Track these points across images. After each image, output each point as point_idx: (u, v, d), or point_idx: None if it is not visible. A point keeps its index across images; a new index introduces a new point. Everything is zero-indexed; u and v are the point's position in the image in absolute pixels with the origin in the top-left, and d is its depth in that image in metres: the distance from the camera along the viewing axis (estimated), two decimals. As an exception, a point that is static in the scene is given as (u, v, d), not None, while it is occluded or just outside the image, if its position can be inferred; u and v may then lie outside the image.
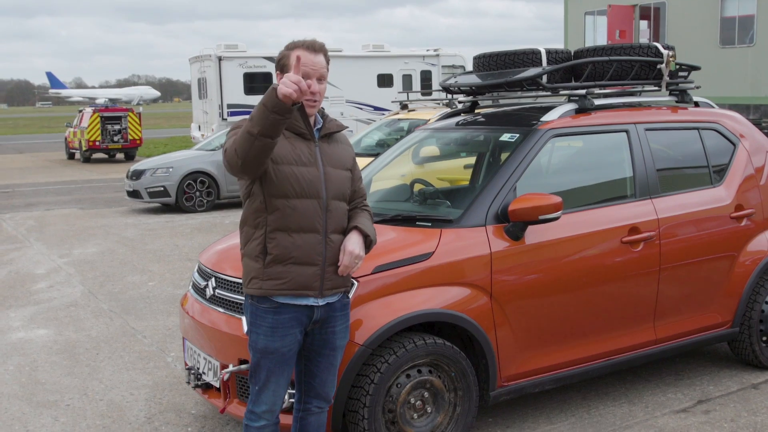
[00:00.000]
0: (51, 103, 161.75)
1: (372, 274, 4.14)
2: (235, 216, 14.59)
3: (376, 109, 27.15)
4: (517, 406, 5.08)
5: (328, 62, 3.53)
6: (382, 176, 5.91)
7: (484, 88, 5.80)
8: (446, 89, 6.10)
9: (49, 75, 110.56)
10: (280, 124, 3.16)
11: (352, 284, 4.05)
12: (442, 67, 28.73)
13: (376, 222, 4.68)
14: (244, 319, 4.19)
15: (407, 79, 28.20)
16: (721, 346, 6.04)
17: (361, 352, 4.02)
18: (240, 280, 4.31)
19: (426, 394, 4.27)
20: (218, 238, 11.87)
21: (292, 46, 3.50)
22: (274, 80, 3.52)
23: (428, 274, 4.28)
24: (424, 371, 4.24)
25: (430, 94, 21.45)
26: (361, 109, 27.19)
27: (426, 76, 28.51)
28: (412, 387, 4.20)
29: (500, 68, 5.84)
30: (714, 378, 5.54)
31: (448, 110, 11.58)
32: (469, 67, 30.19)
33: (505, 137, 5.07)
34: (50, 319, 7.59)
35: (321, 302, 3.54)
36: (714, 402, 5.13)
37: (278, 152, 3.41)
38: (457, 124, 5.82)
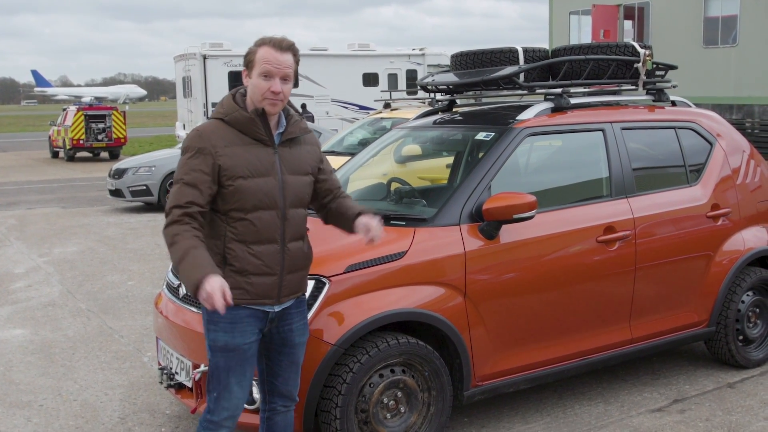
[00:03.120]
0: (36, 102, 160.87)
1: (344, 273, 4.12)
2: (218, 215, 14.52)
3: (362, 108, 27.14)
4: (492, 405, 5.07)
5: (297, 62, 3.44)
6: (360, 175, 5.89)
7: (460, 86, 5.79)
8: (424, 88, 6.08)
9: (35, 73, 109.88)
10: None
11: (324, 284, 4.03)
12: (428, 66, 28.74)
13: (351, 220, 4.67)
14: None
15: (392, 78, 28.22)
16: (697, 346, 6.05)
17: (333, 352, 3.99)
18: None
19: (399, 394, 4.25)
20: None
21: (260, 43, 3.41)
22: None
23: (401, 273, 4.26)
24: (398, 371, 4.22)
25: (415, 93, 21.43)
26: (346, 108, 27.18)
27: (411, 75, 28.53)
28: (385, 387, 4.18)
29: (477, 67, 5.83)
30: (690, 377, 5.55)
31: (431, 109, 11.64)
32: (455, 66, 30.23)
33: (481, 136, 5.06)
34: (27, 319, 7.53)
35: (277, 308, 3.51)
36: (690, 401, 5.13)
37: (232, 166, 3.33)
38: (435, 122, 5.81)
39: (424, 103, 13.44)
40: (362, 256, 4.21)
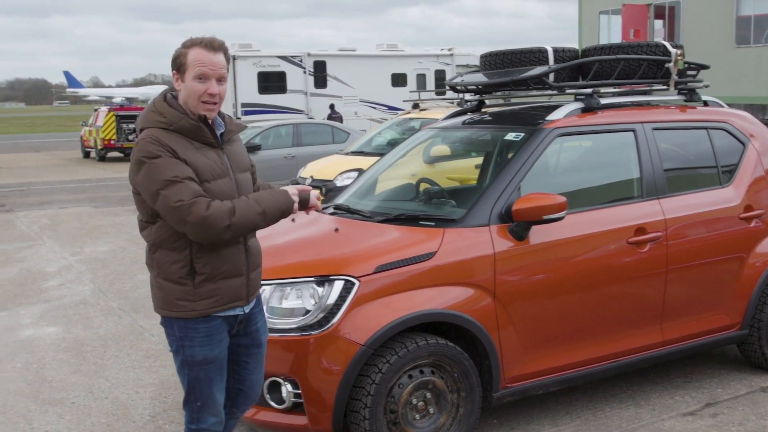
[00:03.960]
0: (68, 102, 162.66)
1: (374, 273, 4.12)
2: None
3: (390, 108, 27.14)
4: (521, 407, 5.04)
5: (228, 62, 3.36)
6: (389, 176, 5.89)
7: (490, 86, 5.77)
8: (453, 88, 6.06)
9: (67, 74, 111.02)
10: None
11: (353, 284, 4.04)
12: (456, 66, 28.69)
13: (380, 221, 4.69)
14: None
15: (421, 79, 28.19)
16: (730, 349, 5.97)
17: (362, 352, 4.00)
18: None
19: (428, 395, 4.24)
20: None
21: (190, 44, 3.28)
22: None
23: (430, 273, 4.25)
24: (427, 372, 4.22)
25: (444, 93, 21.41)
26: (374, 108, 27.19)
27: (440, 76, 28.48)
28: (414, 387, 4.18)
29: (507, 67, 5.81)
30: (722, 381, 5.48)
31: (460, 109, 11.62)
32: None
33: (510, 136, 5.04)
34: (59, 317, 7.62)
35: (246, 309, 3.49)
36: (722, 405, 5.07)
37: (196, 170, 3.23)
38: (464, 123, 5.80)
39: (453, 103, 13.43)
40: (391, 256, 4.21)
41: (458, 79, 6.02)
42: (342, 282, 4.07)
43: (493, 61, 5.92)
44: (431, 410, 4.26)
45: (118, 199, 17.26)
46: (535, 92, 5.57)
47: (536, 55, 5.69)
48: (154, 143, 3.19)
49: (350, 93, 26.69)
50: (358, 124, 23.18)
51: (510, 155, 4.91)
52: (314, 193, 3.64)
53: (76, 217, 14.54)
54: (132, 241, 11.76)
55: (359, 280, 4.08)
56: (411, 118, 12.73)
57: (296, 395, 4.08)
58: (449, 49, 29.39)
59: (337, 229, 4.67)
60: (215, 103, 3.31)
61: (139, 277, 9.27)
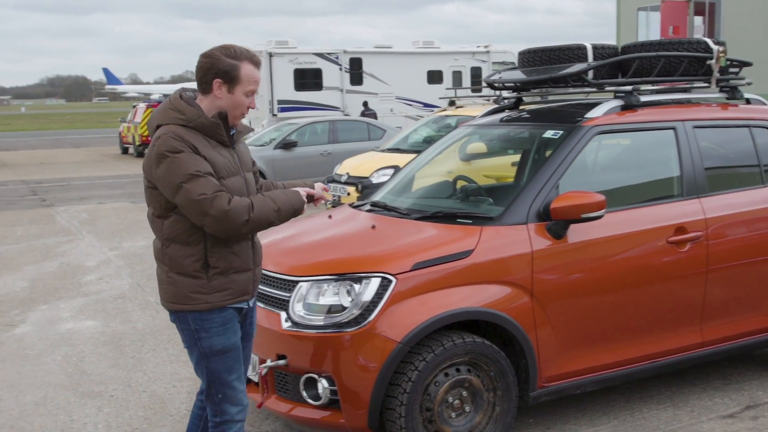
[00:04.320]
0: (107, 99, 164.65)
1: (411, 271, 4.11)
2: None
3: (426, 105, 27.08)
4: (557, 406, 5.00)
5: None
6: (426, 173, 5.88)
7: (528, 84, 5.73)
8: (491, 85, 6.03)
9: (106, 71, 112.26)
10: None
11: (390, 282, 4.05)
12: (493, 63, 28.53)
13: (417, 218, 4.67)
14: (282, 314, 4.20)
15: (457, 76, 28.08)
16: (771, 350, 5.88)
17: (399, 350, 3.99)
18: (282, 276, 4.34)
19: (464, 393, 4.23)
20: (266, 232, 11.94)
21: (239, 57, 3.38)
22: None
23: (467, 271, 4.24)
24: (463, 370, 4.21)
25: (480, 90, 21.32)
26: (410, 105, 27.14)
27: (476, 73, 28.35)
28: (450, 386, 4.17)
29: (545, 64, 5.76)
30: (763, 383, 5.40)
31: (496, 106, 11.56)
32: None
33: (549, 134, 5.00)
34: (98, 311, 7.71)
35: (251, 303, 3.60)
36: (763, 408, 4.99)
37: (216, 166, 3.33)
38: (501, 120, 5.76)
39: (488, 100, 13.37)
40: (428, 254, 4.20)
41: (496, 77, 5.99)
42: (379, 279, 4.07)
43: (531, 58, 5.88)
44: (467, 408, 4.25)
45: (156, 194, 17.39)
46: (573, 90, 5.53)
47: (575, 52, 5.63)
48: (176, 139, 3.27)
49: (386, 90, 26.66)
50: (394, 121, 23.15)
51: (548, 153, 4.88)
52: (319, 185, 3.77)
53: (115, 212, 14.72)
54: (169, 237, 11.86)
55: (396, 278, 4.07)
56: (447, 116, 12.70)
57: (332, 392, 4.08)
58: (485, 46, 29.25)
59: (374, 227, 4.67)
60: (245, 114, 3.50)
61: (176, 273, 9.33)
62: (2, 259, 10.55)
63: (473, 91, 21.07)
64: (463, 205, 5.17)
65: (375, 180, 11.17)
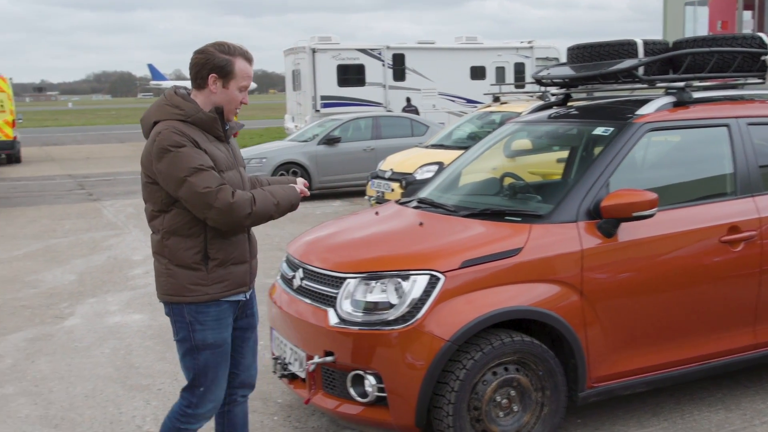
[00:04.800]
0: (152, 94, 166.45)
1: (459, 268, 4.08)
2: (326, 207, 14.72)
3: (469, 101, 26.96)
4: (605, 407, 4.94)
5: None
6: (472, 169, 5.84)
7: (577, 80, 5.65)
8: (539, 81, 5.97)
9: (151, 67, 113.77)
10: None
11: (438, 279, 4.03)
12: (536, 59, 28.32)
13: (464, 215, 4.64)
14: (330, 311, 4.20)
15: (500, 72, 27.90)
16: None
17: (447, 348, 3.97)
18: (328, 272, 4.34)
19: (513, 393, 4.19)
20: (308, 228, 11.97)
21: (232, 52, 3.44)
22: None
23: (516, 269, 4.20)
24: (511, 369, 4.17)
25: (523, 86, 21.16)
26: (453, 101, 27.05)
27: (519, 69, 28.15)
28: (498, 385, 4.14)
29: (595, 60, 5.68)
30: (818, 385, 5.28)
31: (541, 103, 11.47)
32: (564, 59, 29.72)
33: (599, 131, 4.93)
34: (145, 305, 7.80)
35: (247, 295, 3.66)
36: (817, 411, 4.89)
37: (214, 161, 3.38)
38: (549, 117, 5.70)
39: (532, 96, 13.26)
40: (477, 251, 4.17)
41: (544, 72, 5.93)
42: (427, 277, 4.04)
43: (580, 53, 5.80)
44: (515, 408, 4.21)
45: (200, 189, 17.55)
46: (623, 86, 5.45)
47: (625, 48, 5.55)
48: (177, 133, 3.32)
49: (429, 86, 26.58)
50: (437, 117, 23.08)
51: (598, 150, 4.81)
52: (300, 181, 3.91)
53: (160, 207, 14.83)
54: (214, 232, 11.95)
55: (445, 275, 4.05)
56: (491, 112, 12.62)
57: (379, 389, 4.07)
58: (529, 42, 29.01)
59: (421, 223, 4.65)
60: (239, 109, 3.58)
61: (221, 267, 9.40)
62: (51, 252, 10.72)
63: (516, 87, 20.94)
64: (511, 202, 5.13)
65: (419, 176, 11.18)
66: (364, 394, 4.13)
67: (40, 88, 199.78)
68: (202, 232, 3.42)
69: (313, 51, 25.01)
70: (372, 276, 4.16)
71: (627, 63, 5.19)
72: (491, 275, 4.14)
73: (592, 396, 4.44)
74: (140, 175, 3.51)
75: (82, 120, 67.28)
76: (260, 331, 6.45)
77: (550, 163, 6.58)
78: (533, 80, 6.15)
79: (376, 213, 5.19)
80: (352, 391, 4.18)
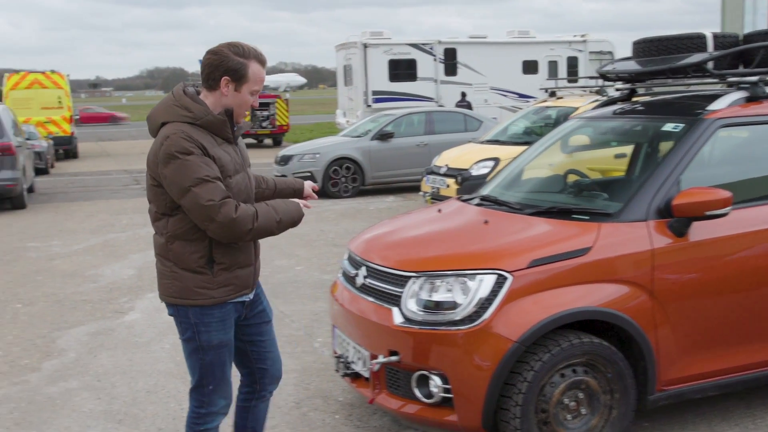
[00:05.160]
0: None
1: (527, 268, 4.00)
2: (380, 202, 14.70)
3: (521, 96, 26.75)
4: (673, 410, 4.82)
5: None
6: (535, 166, 5.75)
7: (645, 74, 5.52)
8: (603, 76, 5.84)
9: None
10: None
11: (505, 279, 3.96)
12: (590, 53, 27.96)
13: (530, 213, 4.55)
14: (395, 310, 4.16)
15: (553, 66, 27.63)
16: None
17: (515, 349, 3.89)
18: (393, 270, 4.29)
19: (581, 395, 4.10)
20: (363, 224, 11.98)
21: (246, 55, 3.38)
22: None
23: (585, 269, 4.10)
24: (580, 371, 4.08)
25: (576, 81, 20.89)
26: (505, 96, 26.85)
27: (572, 63, 27.84)
28: (566, 387, 4.05)
29: (662, 54, 5.54)
30: None
31: (598, 98, 11.27)
32: (618, 53, 29.20)
33: (668, 127, 4.80)
34: (203, 300, 7.82)
35: (251, 296, 3.64)
36: None
37: (222, 165, 3.34)
38: (615, 113, 5.58)
39: (586, 91, 13.06)
40: (545, 250, 4.08)
41: (609, 67, 5.81)
42: (494, 276, 3.97)
43: (646, 47, 5.67)
44: (583, 411, 4.12)
45: (254, 185, 17.66)
46: (692, 81, 5.30)
47: (694, 42, 5.41)
48: (186, 139, 3.26)
49: (480, 80, 26.42)
50: (489, 112, 22.91)
51: (668, 147, 4.69)
52: (309, 184, 3.95)
53: (215, 202, 14.95)
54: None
55: (512, 275, 3.97)
56: (547, 107, 12.46)
57: (445, 390, 4.01)
58: (582, 36, 28.67)
59: (486, 221, 4.57)
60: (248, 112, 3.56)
61: (276, 263, 9.44)
62: (110, 246, 10.86)
63: (569, 81, 20.67)
64: (576, 200, 5.02)
65: (475, 172, 11.08)
66: (429, 395, 4.08)
67: (94, 85, 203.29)
68: (206, 237, 3.38)
69: (365, 46, 25.02)
70: (438, 275, 4.10)
71: (697, 57, 5.05)
72: (559, 275, 4.05)
73: (662, 399, 4.33)
74: (146, 175, 3.47)
75: (135, 116, 68.10)
76: (326, 330, 6.52)
77: (608, 159, 6.45)
78: (597, 75, 6.03)
79: (439, 210, 5.13)
80: (417, 392, 4.12)
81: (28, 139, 17.95)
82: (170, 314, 3.56)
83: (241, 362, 3.79)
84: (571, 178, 5.42)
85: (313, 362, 5.95)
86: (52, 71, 26.27)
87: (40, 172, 20.70)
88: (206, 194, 3.23)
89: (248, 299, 3.62)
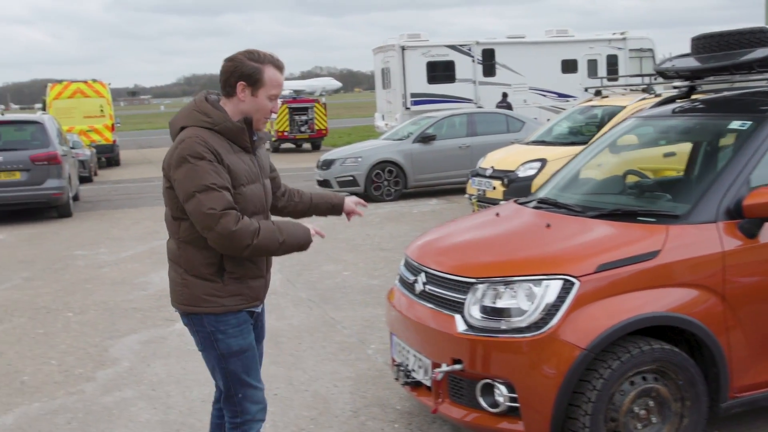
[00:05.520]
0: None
1: (595, 273, 3.88)
2: (423, 205, 14.60)
3: (561, 95, 26.52)
4: (744, 418, 4.65)
5: None
6: (591, 166, 5.62)
7: (706, 71, 5.36)
8: (662, 74, 5.69)
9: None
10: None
11: (572, 284, 3.84)
12: (630, 51, 27.63)
13: (593, 216, 4.43)
14: (457, 317, 4.06)
15: (592, 65, 27.35)
16: None
17: (584, 357, 3.77)
18: (454, 276, 4.19)
19: (651, 403, 3.97)
20: (408, 227, 11.90)
21: (262, 60, 3.37)
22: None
23: (654, 273, 3.97)
24: (650, 378, 3.95)
25: (616, 79, 20.61)
26: (544, 96, 26.64)
27: (612, 61, 27.53)
28: (636, 395, 3.92)
29: (723, 49, 5.38)
30: None
31: (645, 96, 11.06)
32: (658, 50, 28.76)
33: (735, 125, 4.65)
34: (252, 307, 7.79)
35: (260, 308, 3.64)
36: None
37: (235, 174, 3.33)
38: (674, 111, 5.42)
39: (626, 90, 12.84)
40: (612, 254, 3.96)
41: (668, 65, 5.65)
42: (561, 281, 3.86)
43: (707, 43, 5.50)
44: (654, 419, 3.99)
45: (295, 189, 17.65)
46: (757, 77, 5.14)
47: (756, 36, 5.23)
48: (201, 144, 3.26)
49: (519, 81, 26.23)
50: (528, 113, 22.72)
51: (734, 145, 4.54)
52: (352, 199, 3.89)
53: (258, 208, 14.96)
54: (313, 232, 11.96)
55: (579, 280, 3.85)
56: (593, 106, 12.27)
57: (511, 399, 3.91)
58: (621, 33, 28.33)
59: (549, 225, 4.45)
60: (269, 118, 3.52)
61: (324, 268, 9.40)
62: (156, 254, 10.88)
63: (609, 80, 20.40)
64: (640, 201, 4.89)
65: (521, 173, 10.94)
66: (494, 404, 3.97)
67: (133, 93, 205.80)
68: None
69: (403, 49, 24.96)
70: (502, 281, 4.00)
71: (763, 52, 4.89)
72: (627, 279, 3.93)
73: (735, 407, 4.18)
74: (162, 178, 3.47)
75: (174, 122, 68.89)
76: (379, 337, 6.44)
77: (657, 158, 6.28)
78: (655, 73, 5.88)
79: (497, 214, 5.02)
80: (481, 401, 4.02)
81: (72, 148, 18.11)
82: (184, 324, 3.53)
83: None
84: (631, 178, 5.28)
85: (367, 369, 5.87)
86: (94, 80, 26.57)
87: (84, 180, 20.93)
88: (209, 202, 3.22)
89: (257, 311, 3.61)
